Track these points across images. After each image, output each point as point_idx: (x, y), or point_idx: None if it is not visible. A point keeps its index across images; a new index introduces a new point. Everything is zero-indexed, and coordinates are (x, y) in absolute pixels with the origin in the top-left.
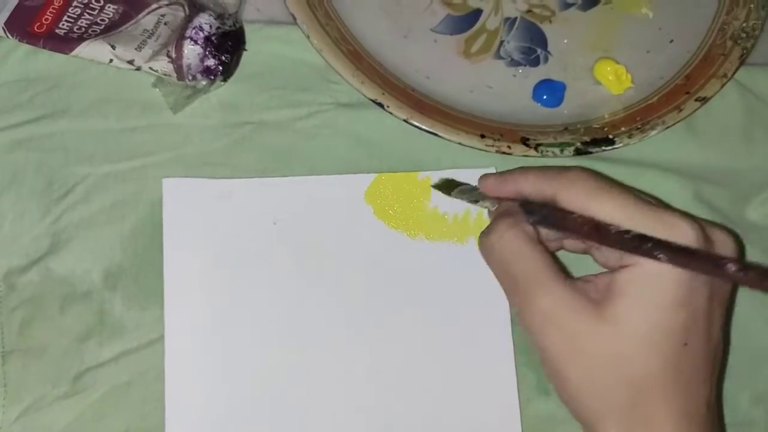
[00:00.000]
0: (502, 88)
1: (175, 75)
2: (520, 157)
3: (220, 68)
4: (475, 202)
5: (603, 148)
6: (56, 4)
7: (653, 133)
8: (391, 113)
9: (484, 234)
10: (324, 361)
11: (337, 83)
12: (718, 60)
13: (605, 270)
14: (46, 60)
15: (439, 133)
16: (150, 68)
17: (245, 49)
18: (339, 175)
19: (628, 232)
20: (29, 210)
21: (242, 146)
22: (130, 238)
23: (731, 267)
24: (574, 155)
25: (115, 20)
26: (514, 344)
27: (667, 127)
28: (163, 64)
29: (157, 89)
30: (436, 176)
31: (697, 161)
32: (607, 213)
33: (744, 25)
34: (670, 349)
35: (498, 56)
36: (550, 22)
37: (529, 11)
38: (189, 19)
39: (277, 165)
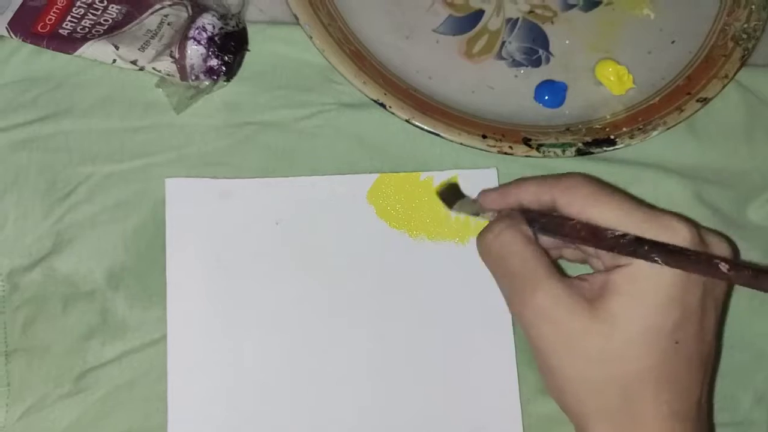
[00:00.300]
0: (504, 88)
1: (178, 75)
2: (522, 157)
3: (223, 68)
4: (476, 215)
5: (604, 148)
6: (60, 4)
7: (654, 133)
8: (393, 113)
9: (482, 233)
10: (326, 361)
11: (339, 84)
12: (720, 61)
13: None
14: (49, 60)
15: (441, 134)
16: (153, 68)
17: (248, 50)
18: (341, 176)
19: (624, 235)
20: (32, 210)
21: (245, 146)
22: (132, 238)
23: (724, 267)
24: (575, 155)
25: (118, 20)
26: (515, 344)
27: (669, 128)
28: (166, 65)
29: (160, 89)
30: (439, 178)
31: (699, 162)
32: (605, 216)
33: (745, 26)
34: (661, 348)
35: (500, 57)
36: (552, 22)
37: (530, 12)
38: (192, 19)
39: (279, 165)
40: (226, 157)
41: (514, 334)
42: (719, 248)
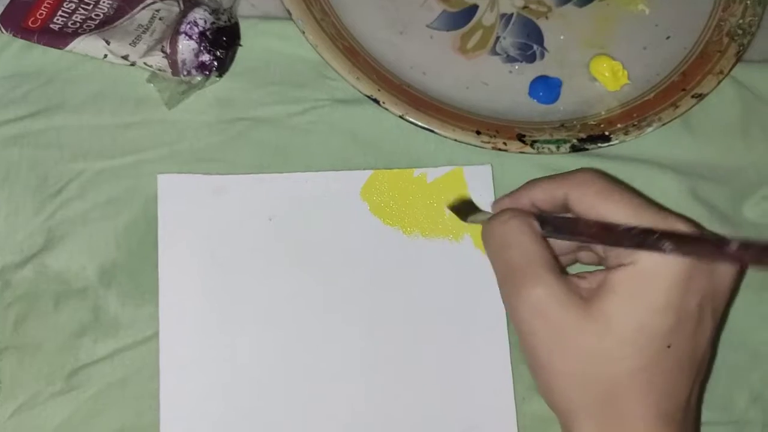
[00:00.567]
0: (498, 84)
1: (170, 70)
2: (516, 153)
3: (215, 63)
4: None
5: (599, 144)
6: None
7: (649, 129)
8: (386, 109)
9: (490, 219)
10: (319, 358)
11: (332, 79)
12: (715, 57)
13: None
14: (40, 55)
15: (435, 130)
16: (144, 63)
17: (240, 45)
18: (334, 172)
19: (633, 228)
20: (23, 206)
21: (237, 142)
22: (124, 235)
23: (733, 246)
24: (570, 152)
25: (109, 15)
26: (510, 342)
27: (664, 124)
28: (157, 60)
29: (152, 85)
30: (433, 174)
31: (694, 158)
32: (616, 213)
33: (741, 21)
34: (653, 350)
35: (494, 52)
36: (547, 18)
37: (525, 7)
38: (184, 14)
39: (272, 161)
40: (218, 153)
41: (508, 331)
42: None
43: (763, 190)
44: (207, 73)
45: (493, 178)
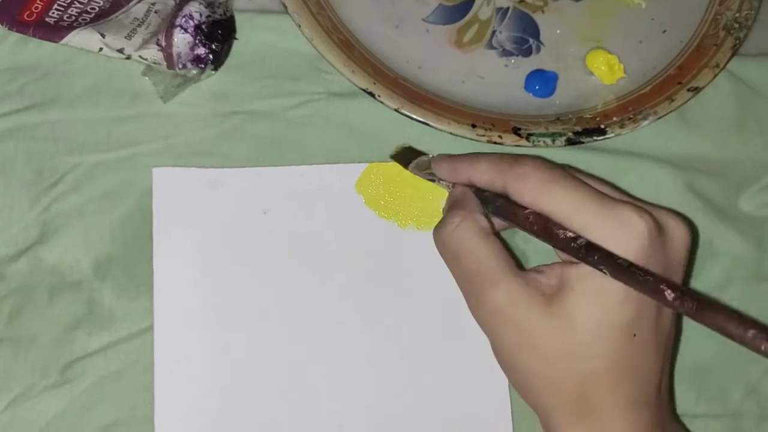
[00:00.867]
0: (494, 78)
1: (165, 64)
2: (512, 147)
3: (211, 57)
4: (432, 180)
5: (594, 138)
6: None
7: (645, 123)
8: (382, 103)
9: (437, 227)
10: (314, 352)
11: (328, 73)
12: (711, 50)
13: (558, 261)
14: (35, 49)
15: (431, 123)
16: (140, 57)
17: (236, 38)
18: (330, 165)
19: (576, 239)
20: (18, 199)
21: (233, 136)
22: (119, 228)
23: (669, 294)
24: (565, 145)
25: (105, 8)
26: None
27: (659, 118)
28: (153, 53)
29: (147, 78)
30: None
31: (690, 152)
32: (558, 207)
33: (737, 15)
34: (618, 342)
35: (490, 46)
36: (543, 12)
37: (521, 1)
38: (179, 7)
39: (267, 154)
40: (214, 147)
41: None
42: (678, 235)
43: (758, 184)
44: (202, 66)
45: None
